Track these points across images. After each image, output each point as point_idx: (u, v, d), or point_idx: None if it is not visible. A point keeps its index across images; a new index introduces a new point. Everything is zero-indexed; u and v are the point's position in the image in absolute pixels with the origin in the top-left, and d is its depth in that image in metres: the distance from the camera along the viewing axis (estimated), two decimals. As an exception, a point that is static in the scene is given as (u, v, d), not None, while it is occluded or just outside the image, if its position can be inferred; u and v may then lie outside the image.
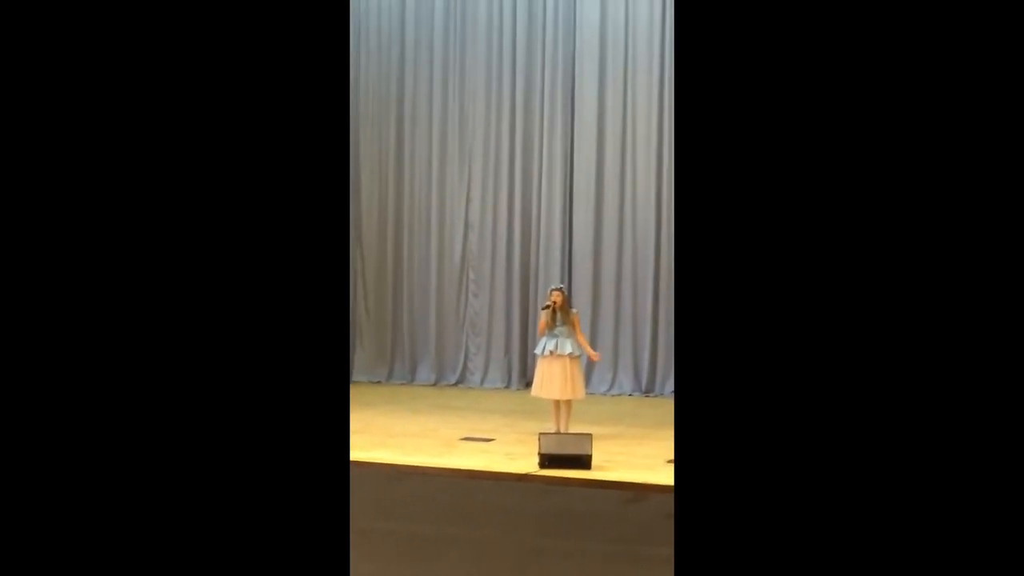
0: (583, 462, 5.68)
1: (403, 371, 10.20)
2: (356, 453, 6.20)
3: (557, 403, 6.75)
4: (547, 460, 5.71)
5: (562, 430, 6.61)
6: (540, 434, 5.91)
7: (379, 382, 10.18)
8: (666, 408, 8.54)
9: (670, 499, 5.02)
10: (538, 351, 6.79)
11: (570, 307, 6.91)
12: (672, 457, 6.09)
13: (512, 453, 6.30)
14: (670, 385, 9.20)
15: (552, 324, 6.67)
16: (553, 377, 6.64)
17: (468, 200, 10.01)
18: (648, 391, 9.31)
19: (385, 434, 7.06)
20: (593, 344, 9.25)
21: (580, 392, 6.81)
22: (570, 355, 6.64)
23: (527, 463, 5.85)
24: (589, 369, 9.13)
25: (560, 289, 6.81)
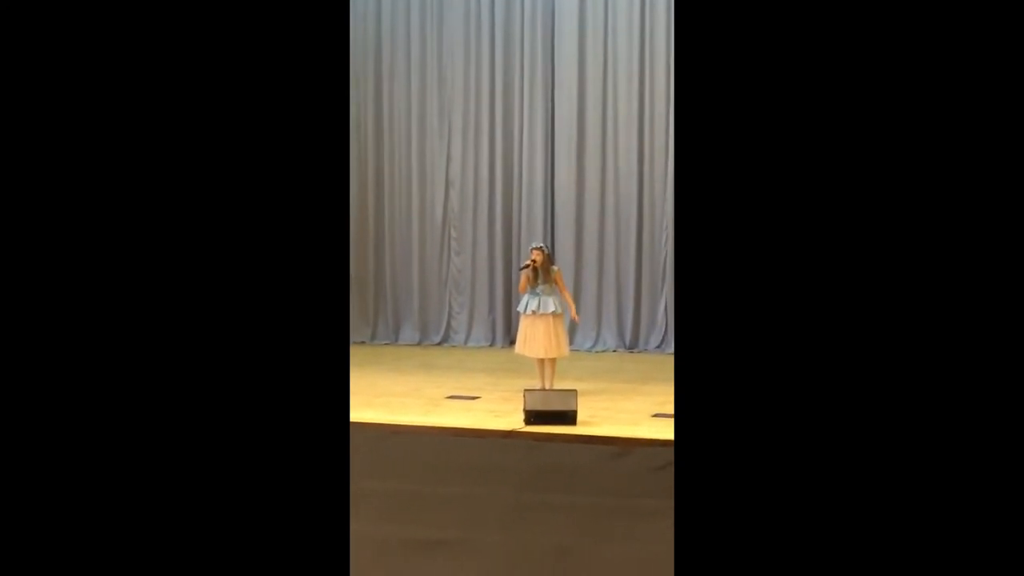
0: (568, 418, 5.71)
1: (386, 331, 10.19)
2: (342, 413, 6.20)
3: (541, 360, 6.77)
4: (532, 416, 5.74)
5: (547, 387, 6.64)
6: (525, 391, 5.93)
7: (363, 343, 10.17)
8: (650, 363, 8.60)
9: (655, 452, 5.08)
10: (520, 309, 6.79)
11: (552, 264, 6.89)
12: (656, 411, 6.16)
13: (497, 410, 6.32)
14: (654, 340, 9.25)
15: (534, 283, 6.65)
16: (536, 336, 6.65)
17: (448, 157, 9.94)
18: (632, 347, 9.36)
19: (370, 394, 7.07)
20: (577, 299, 9.24)
21: (564, 350, 6.83)
22: (553, 313, 6.64)
23: (513, 420, 5.88)
24: (572, 325, 9.15)
25: (540, 248, 6.78)
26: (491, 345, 9.75)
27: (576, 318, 7.18)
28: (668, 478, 4.72)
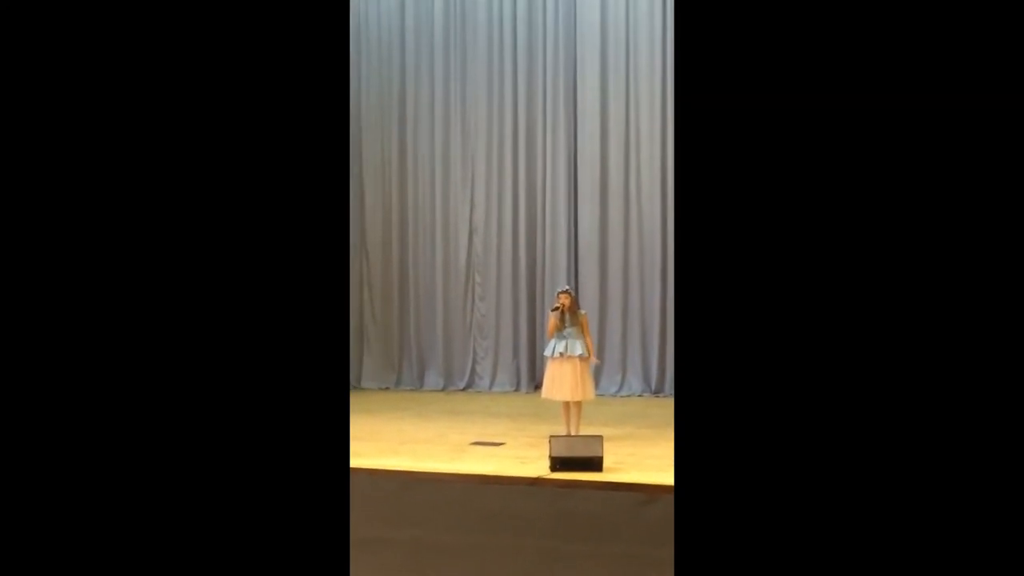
0: (594, 464, 5.64)
1: (411, 377, 10.18)
2: (367, 460, 6.17)
3: (567, 405, 6.72)
4: (558, 463, 5.68)
5: (572, 432, 6.58)
6: (551, 437, 5.88)
7: (387, 388, 10.15)
8: (676, 407, 8.49)
9: (684, 500, 4.99)
10: (547, 353, 6.77)
11: (578, 308, 6.89)
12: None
13: (523, 457, 6.26)
14: (680, 384, 9.14)
15: (561, 326, 6.65)
16: (563, 378, 6.61)
17: (472, 203, 9.99)
18: (657, 391, 9.27)
19: (395, 441, 7.03)
20: (601, 344, 9.22)
21: (590, 393, 6.78)
22: (580, 356, 6.61)
23: (538, 466, 5.82)
24: (598, 370, 9.10)
25: (568, 291, 6.79)
26: (515, 390, 9.70)
27: (595, 359, 7.15)
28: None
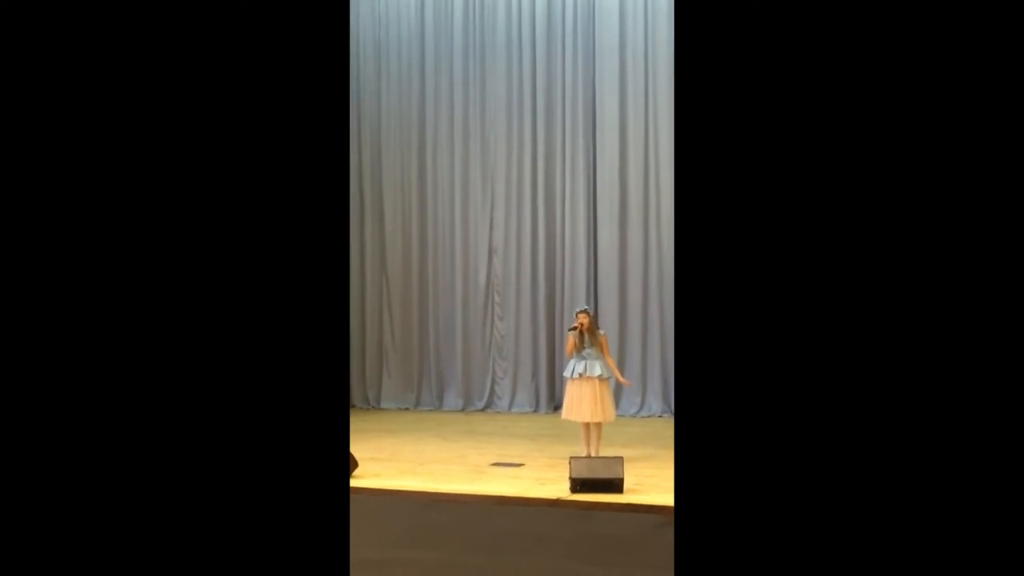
0: (615, 486, 5.61)
1: (430, 398, 10.19)
2: (386, 481, 6.17)
3: (587, 426, 6.70)
4: (578, 484, 5.65)
5: (592, 453, 6.55)
6: (571, 458, 5.86)
7: (407, 409, 10.16)
8: (697, 428, 8.42)
9: (705, 521, 4.94)
10: (567, 374, 6.75)
11: (597, 328, 6.88)
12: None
13: (543, 478, 6.24)
14: (700, 405, 9.10)
15: (580, 346, 6.63)
16: (583, 400, 6.59)
17: (492, 224, 10.02)
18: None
19: (414, 461, 7.03)
20: (621, 365, 9.20)
21: (611, 414, 6.76)
22: (600, 377, 6.60)
23: (558, 488, 5.80)
24: (618, 391, 9.07)
25: (586, 311, 6.78)
26: (535, 411, 9.68)
27: (624, 382, 7.23)
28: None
